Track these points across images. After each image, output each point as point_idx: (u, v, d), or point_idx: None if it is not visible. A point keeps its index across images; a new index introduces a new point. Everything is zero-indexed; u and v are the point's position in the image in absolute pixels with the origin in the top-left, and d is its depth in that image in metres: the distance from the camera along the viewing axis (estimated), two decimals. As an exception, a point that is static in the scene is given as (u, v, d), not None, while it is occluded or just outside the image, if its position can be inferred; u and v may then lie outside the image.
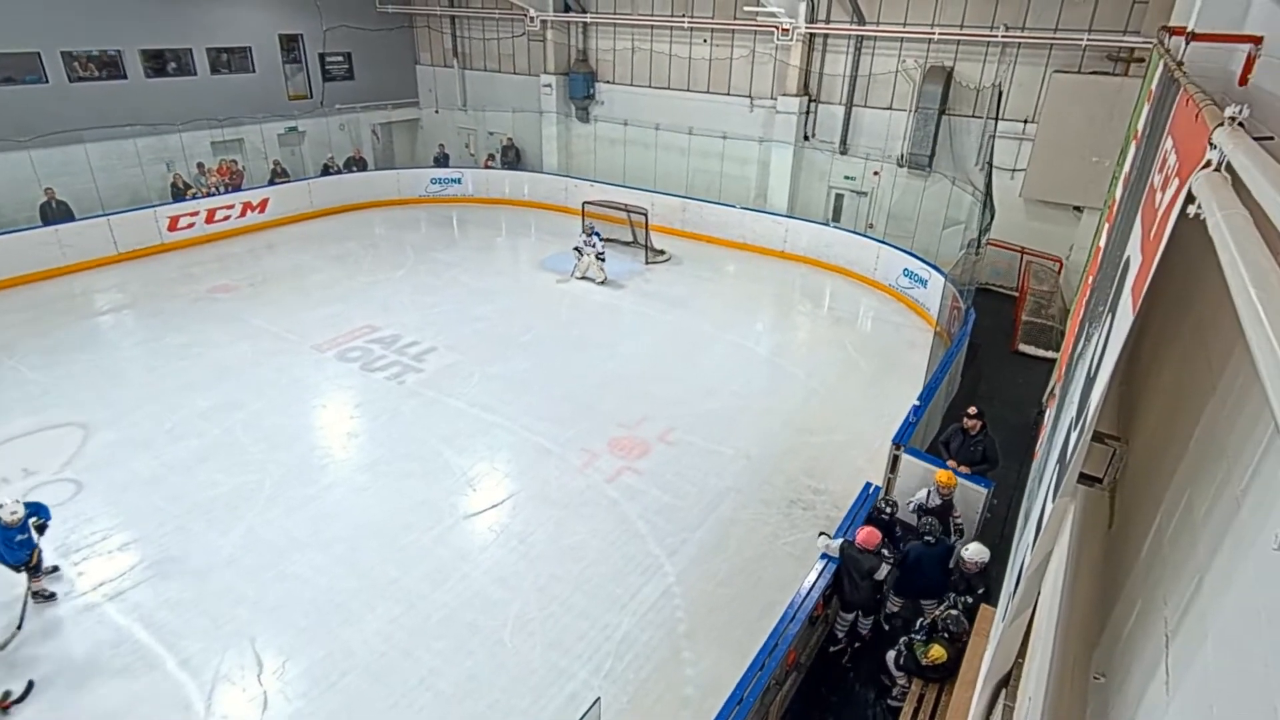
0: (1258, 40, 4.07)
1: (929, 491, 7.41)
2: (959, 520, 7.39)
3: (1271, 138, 2.54)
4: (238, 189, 18.75)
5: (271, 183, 19.51)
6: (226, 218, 17.99)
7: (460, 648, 6.87)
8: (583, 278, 15.92)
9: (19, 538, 6.93)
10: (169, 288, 14.80)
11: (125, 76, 18.02)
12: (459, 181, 21.89)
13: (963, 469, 7.70)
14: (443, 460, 9.59)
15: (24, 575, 7.03)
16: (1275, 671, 1.41)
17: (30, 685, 6.35)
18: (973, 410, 8.21)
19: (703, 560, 8.05)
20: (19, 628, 6.74)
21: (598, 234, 16.02)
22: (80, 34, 17.07)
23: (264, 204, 18.76)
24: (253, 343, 12.54)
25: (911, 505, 7.54)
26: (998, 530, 8.47)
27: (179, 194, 17.66)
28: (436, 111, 24.88)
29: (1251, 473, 1.99)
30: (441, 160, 22.57)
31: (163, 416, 10.27)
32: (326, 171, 20.75)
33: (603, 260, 15.85)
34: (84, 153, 16.77)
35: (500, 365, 12.11)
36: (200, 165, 18.73)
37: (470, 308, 14.34)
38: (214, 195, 18.07)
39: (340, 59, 22.67)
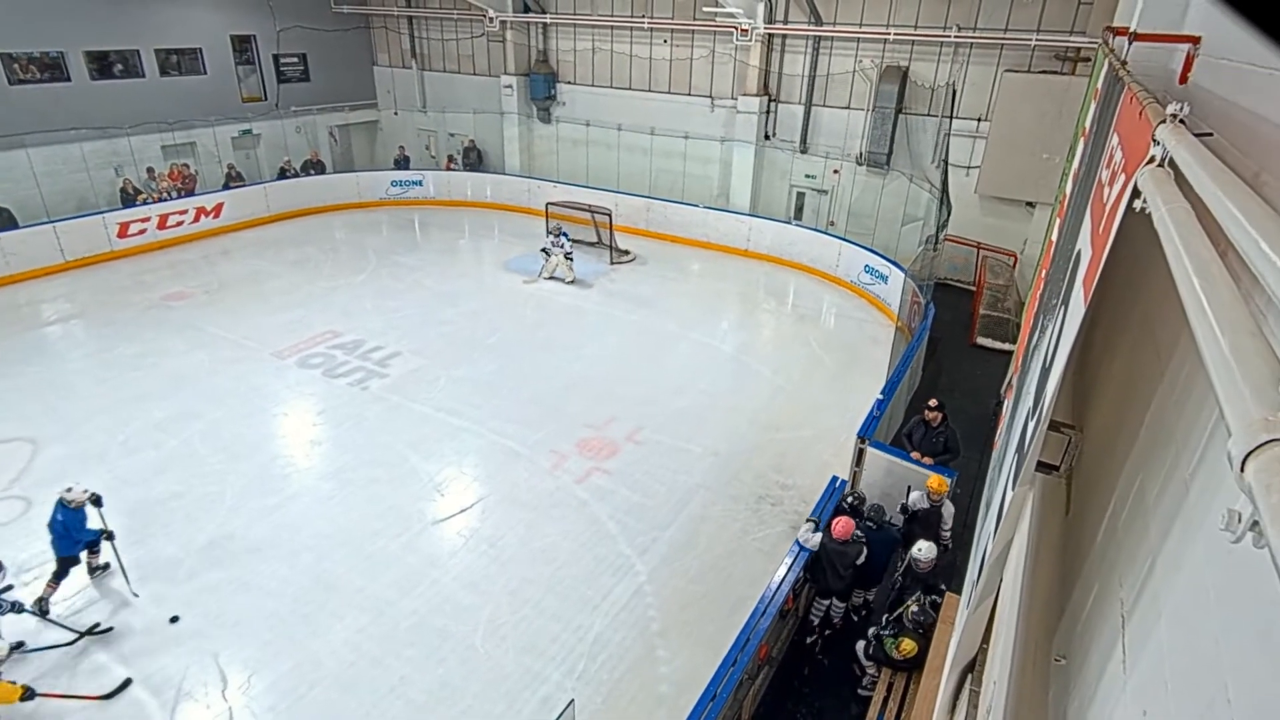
0: (1196, 40, 4.22)
1: (919, 495, 7.34)
2: (947, 535, 7.27)
3: (1211, 134, 2.64)
4: (191, 194, 18.25)
5: (226, 187, 19.04)
6: (179, 223, 17.50)
7: (431, 655, 6.79)
8: (551, 278, 15.85)
9: (83, 525, 7.23)
10: (120, 296, 14.36)
11: (69, 79, 17.42)
12: (420, 184, 21.63)
13: (925, 460, 7.83)
14: (409, 466, 9.47)
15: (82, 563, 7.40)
16: (1225, 648, 1.46)
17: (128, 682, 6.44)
18: (933, 402, 8.34)
19: (673, 558, 8.07)
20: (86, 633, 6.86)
21: (565, 234, 15.96)
22: (20, 35, 16.46)
23: (218, 209, 18.30)
24: (210, 351, 12.23)
25: (901, 507, 7.46)
26: (960, 520, 8.66)
27: (129, 199, 17.15)
28: (395, 113, 24.55)
29: (1199, 456, 2.06)
30: (402, 162, 22.26)
31: (116, 429, 9.96)
32: (283, 175, 20.31)
33: (571, 260, 15.80)
34: (26, 157, 16.20)
35: (466, 368, 12.00)
36: (150, 170, 18.20)
37: (434, 311, 14.17)
38: (166, 200, 17.54)
39: (295, 60, 22.22)
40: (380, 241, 18.58)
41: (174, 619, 7.08)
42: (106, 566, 7.61)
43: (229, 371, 11.61)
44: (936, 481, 7.27)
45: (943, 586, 6.61)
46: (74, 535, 7.20)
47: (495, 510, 8.74)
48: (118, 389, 10.96)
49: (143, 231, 16.79)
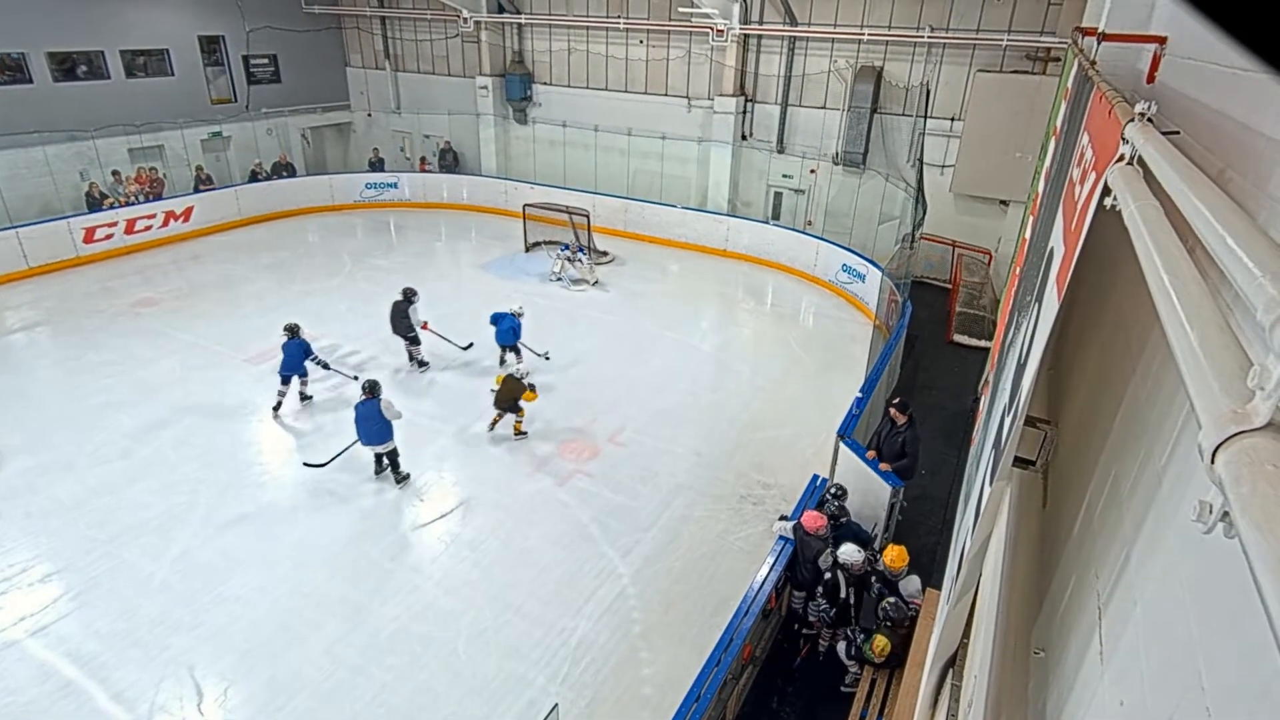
0: (1162, 40, 4.31)
1: (852, 551, 6.62)
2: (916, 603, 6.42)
3: (1177, 132, 2.69)
4: (159, 197, 17.93)
5: (196, 190, 18.74)
6: (148, 228, 17.19)
7: (413, 662, 6.73)
8: (576, 281, 15.88)
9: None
10: (87, 303, 14.07)
11: (31, 80, 17.05)
12: (395, 186, 21.44)
13: (883, 466, 7.67)
14: (387, 471, 9.38)
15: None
16: (1199, 638, 1.49)
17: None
18: (896, 400, 8.15)
19: (656, 560, 8.08)
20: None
21: (566, 246, 16.13)
22: (-21, 36, 16.09)
23: (188, 213, 18.00)
24: (181, 358, 12.03)
25: (841, 559, 6.65)
26: (939, 516, 8.76)
27: (95, 204, 16.80)
28: (369, 115, 24.32)
29: (1170, 449, 2.10)
30: (376, 165, 22.06)
31: (84, 438, 9.76)
32: (254, 178, 20.03)
33: (580, 260, 15.90)
34: (-13, 161, 15.82)
35: (445, 372, 11.90)
36: (117, 173, 17.86)
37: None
38: (133, 205, 17.23)
39: (265, 61, 21.93)
40: (355, 245, 18.40)
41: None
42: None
43: (201, 378, 11.43)
44: (894, 554, 6.50)
45: (894, 599, 6.48)
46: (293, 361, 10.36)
47: (476, 514, 8.68)
48: (86, 397, 10.74)
49: (110, 237, 16.47)
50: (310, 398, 10.78)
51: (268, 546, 8.04)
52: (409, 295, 11.52)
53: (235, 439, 9.99)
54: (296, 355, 10.30)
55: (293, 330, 10.46)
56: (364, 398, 8.83)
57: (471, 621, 7.20)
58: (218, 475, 9.16)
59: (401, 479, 9.13)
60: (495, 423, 10.15)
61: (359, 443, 8.94)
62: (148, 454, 9.51)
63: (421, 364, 11.82)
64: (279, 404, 10.46)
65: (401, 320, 11.54)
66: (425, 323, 11.74)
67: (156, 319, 13.45)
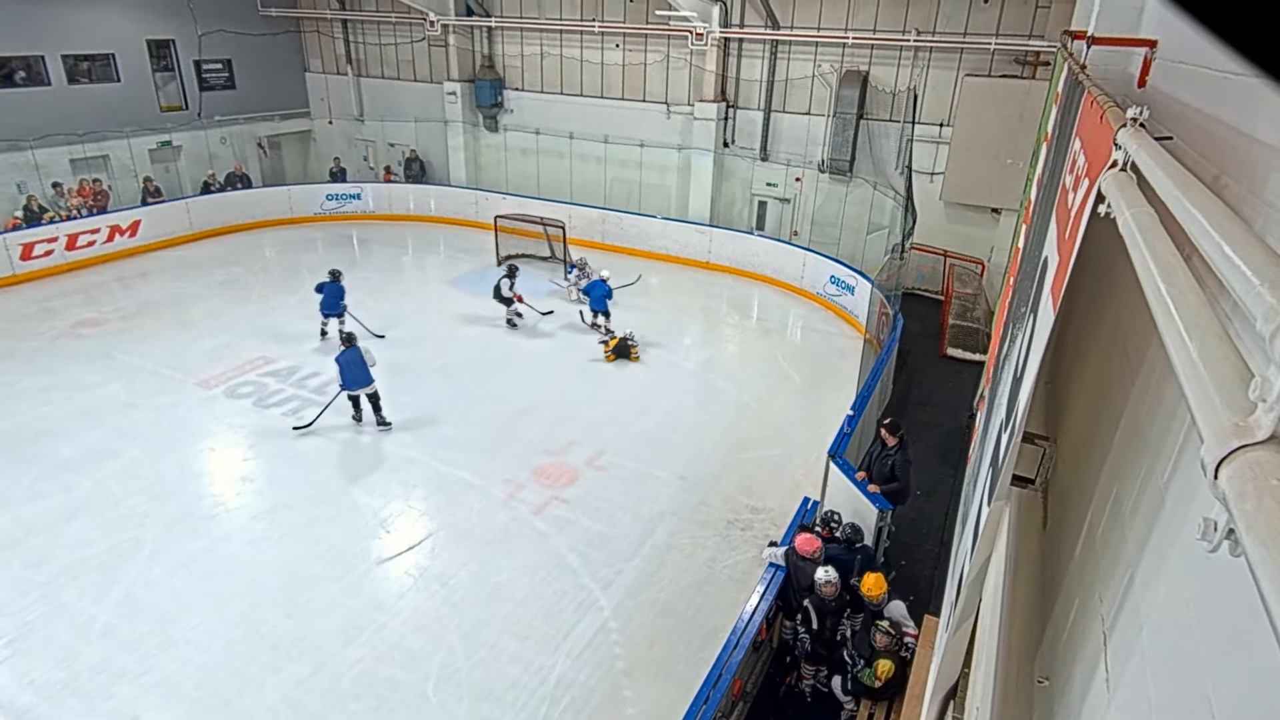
0: (1152, 44, 4.44)
1: (825, 573, 6.55)
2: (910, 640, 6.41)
3: (1171, 137, 2.76)
4: (103, 211, 17.74)
5: (144, 203, 18.55)
6: (91, 243, 16.96)
7: (379, 707, 6.61)
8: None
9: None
10: (24, 325, 13.81)
11: (-37, 87, 16.84)
12: (358, 197, 21.37)
13: (872, 487, 7.68)
14: (350, 501, 9.26)
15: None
16: (1207, 662, 1.51)
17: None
18: (887, 420, 8.20)
19: (639, 591, 8.02)
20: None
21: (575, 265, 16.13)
22: (-92, 40, 15.88)
23: (135, 227, 17.79)
24: (127, 382, 11.83)
25: (817, 580, 6.60)
26: (936, 539, 8.81)
27: (34, 218, 16.56)
28: (330, 122, 24.27)
29: (1173, 465, 2.13)
30: (338, 175, 21.98)
31: (20, 471, 9.54)
32: (207, 189, 19.86)
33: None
34: (-84, 174, 15.55)
35: (412, 394, 11.82)
36: (58, 185, 17.65)
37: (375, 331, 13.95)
38: (75, 219, 17.01)
39: (219, 66, 21.84)
40: (315, 260, 18.26)
41: None
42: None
43: (148, 404, 11.24)
44: (872, 582, 6.47)
45: (885, 620, 6.53)
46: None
47: (446, 546, 8.59)
48: (22, 426, 10.50)
49: (49, 253, 16.21)
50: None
51: (220, 585, 7.88)
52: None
53: (185, 469, 9.82)
54: (334, 297, 12.53)
55: (334, 275, 12.81)
56: (343, 348, 10.39)
57: (442, 662, 7.09)
58: (166, 509, 8.98)
59: (384, 424, 10.66)
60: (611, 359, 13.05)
61: (344, 391, 10.44)
62: (89, 487, 9.31)
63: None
64: (324, 331, 13.13)
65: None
66: (519, 295, 14.04)
67: (101, 341, 13.23)
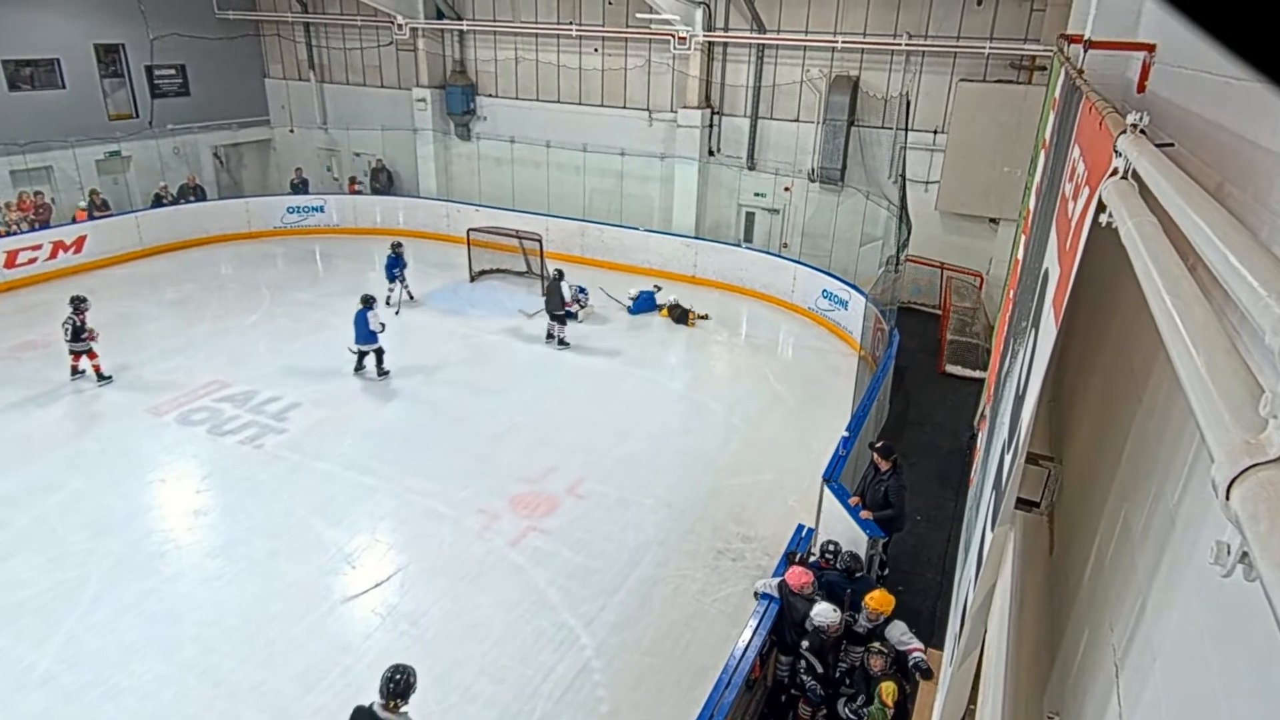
0: (1151, 48, 4.55)
1: (826, 610, 6.54)
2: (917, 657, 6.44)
3: (1172, 144, 2.82)
4: (45, 225, 17.58)
5: (90, 217, 18.38)
6: (32, 260, 16.77)
7: (343, 758, 6.48)
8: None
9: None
10: (-42, 348, 13.59)
11: (-105, 94, 16.68)
12: (321, 210, 21.31)
13: (865, 514, 7.69)
14: (313, 535, 9.14)
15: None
16: (1223, 694, 1.51)
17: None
18: (879, 444, 8.22)
19: (624, 628, 7.96)
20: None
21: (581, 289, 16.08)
22: None
23: (80, 242, 17.61)
24: (69, 409, 11.67)
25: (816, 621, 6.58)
26: (937, 568, 8.82)
27: (-31, 234, 16.37)
28: (291, 131, 24.24)
29: (1183, 485, 2.15)
30: (300, 186, 21.93)
31: (-48, 507, 9.34)
32: (159, 202, 19.74)
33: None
34: None
35: (378, 419, 11.73)
36: (-5, 199, 17.46)
37: (340, 355, 13.82)
38: (14, 234, 16.82)
39: (172, 72, 21.80)
40: (275, 276, 18.15)
41: None
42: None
43: (93, 433, 11.08)
44: (877, 597, 6.63)
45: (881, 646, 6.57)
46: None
47: (416, 582, 8.49)
48: (-46, 459, 10.31)
49: (-14, 271, 16.02)
50: (387, 373, 13.12)
51: (170, 628, 7.73)
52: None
53: (133, 503, 9.66)
54: (362, 325, 12.84)
55: (367, 301, 12.87)
56: (360, 307, 12.62)
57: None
58: (111, 546, 8.82)
59: (383, 373, 12.94)
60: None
61: (356, 343, 12.81)
62: (28, 523, 9.13)
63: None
64: (360, 365, 13.16)
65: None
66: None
67: (42, 364, 13.03)
